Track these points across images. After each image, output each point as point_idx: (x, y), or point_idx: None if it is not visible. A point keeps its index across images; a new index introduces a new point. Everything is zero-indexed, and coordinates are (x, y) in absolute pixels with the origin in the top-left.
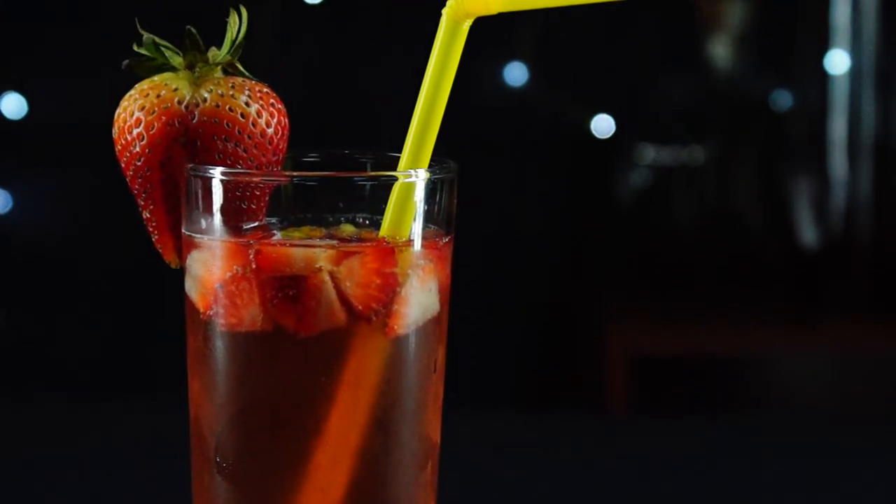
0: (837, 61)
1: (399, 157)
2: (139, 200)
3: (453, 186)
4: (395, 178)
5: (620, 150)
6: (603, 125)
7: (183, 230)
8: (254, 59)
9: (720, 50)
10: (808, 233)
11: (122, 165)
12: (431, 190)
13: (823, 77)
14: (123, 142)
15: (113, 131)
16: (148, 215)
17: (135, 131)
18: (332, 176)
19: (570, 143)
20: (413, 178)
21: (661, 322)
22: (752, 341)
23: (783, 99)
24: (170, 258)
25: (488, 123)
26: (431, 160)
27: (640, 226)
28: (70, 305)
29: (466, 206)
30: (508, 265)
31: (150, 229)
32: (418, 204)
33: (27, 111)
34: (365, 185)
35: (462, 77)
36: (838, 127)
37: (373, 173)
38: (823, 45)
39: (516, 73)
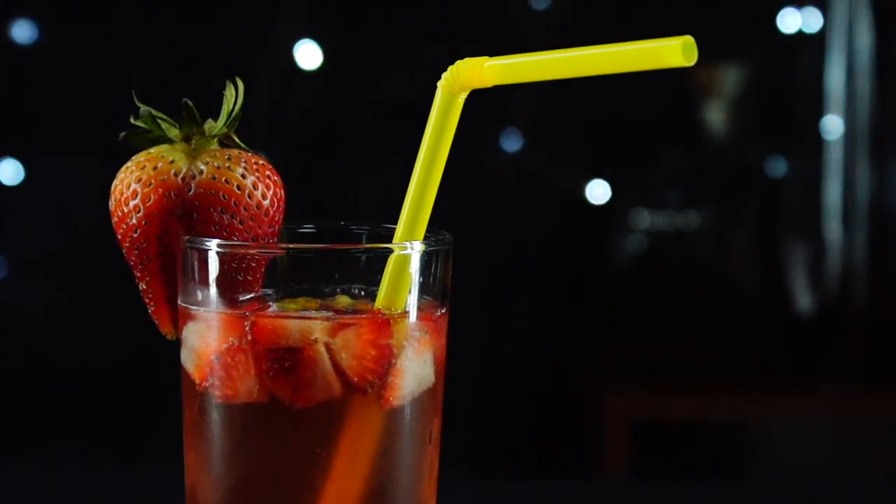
0: (832, 126)
1: (395, 229)
2: (136, 272)
3: (448, 258)
4: (390, 251)
5: (616, 216)
6: (598, 191)
7: (179, 302)
8: (250, 127)
9: (715, 115)
10: (803, 297)
11: (119, 237)
12: (427, 262)
13: (818, 142)
14: (120, 214)
15: (109, 203)
16: (144, 287)
17: (131, 203)
18: (328, 248)
19: (566, 209)
20: (408, 250)
21: (660, 386)
22: (749, 405)
23: (778, 164)
24: (166, 330)
25: (484, 189)
26: (427, 231)
27: (636, 291)
28: (64, 376)
29: (462, 273)
30: (505, 332)
31: (147, 301)
32: (414, 276)
33: (24, 177)
34: (360, 257)
35: (457, 142)
36: (833, 191)
37: (368, 245)
38: (818, 111)
39: (512, 140)
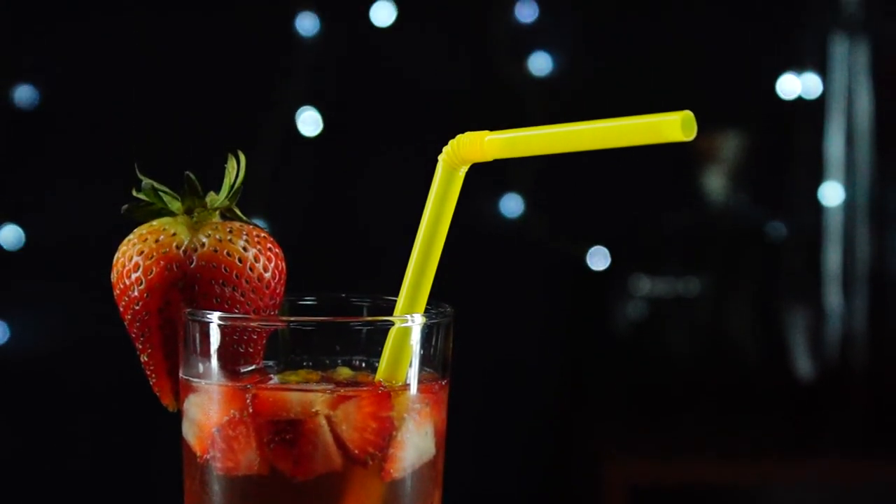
0: (831, 193)
1: (395, 301)
2: (137, 344)
3: (449, 330)
4: (391, 323)
5: (616, 282)
6: (599, 257)
7: (180, 374)
8: (250, 195)
9: (715, 181)
10: (803, 363)
11: (121, 309)
12: (427, 335)
13: (818, 208)
14: (122, 286)
15: (111, 275)
16: (146, 359)
17: (133, 275)
18: (329, 321)
19: (566, 274)
20: (409, 322)
21: (659, 452)
22: (749, 472)
23: (778, 230)
24: (167, 401)
25: (484, 255)
26: (428, 303)
27: (636, 356)
28: (64, 447)
29: (463, 343)
30: (505, 398)
31: (148, 373)
32: (414, 348)
33: (24, 243)
34: (361, 329)
35: (458, 206)
36: (833, 258)
37: (369, 318)
38: (818, 177)
39: (512, 205)
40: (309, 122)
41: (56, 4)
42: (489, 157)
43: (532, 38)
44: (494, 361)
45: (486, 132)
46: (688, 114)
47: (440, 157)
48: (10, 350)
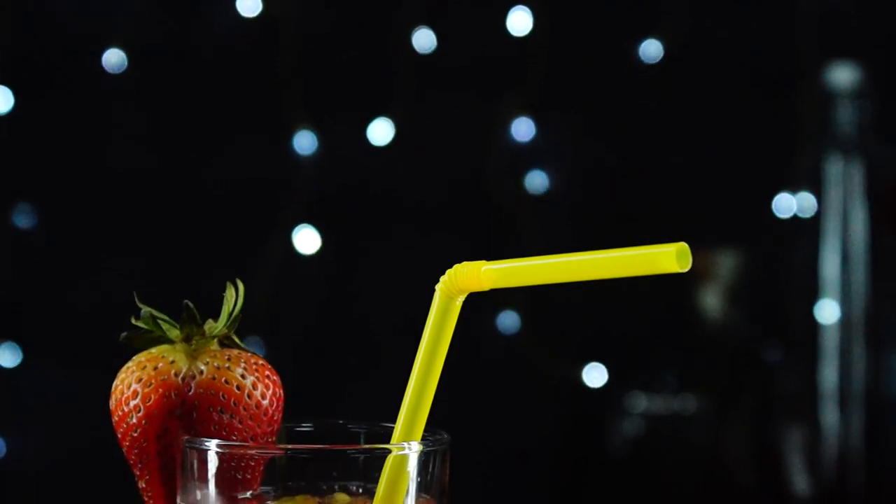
0: (827, 311)
1: (392, 427)
2: (135, 470)
3: (446, 457)
4: (388, 451)
5: (612, 400)
6: (595, 375)
7: (178, 500)
8: (249, 314)
9: (710, 300)
10: (800, 482)
11: (119, 436)
12: (424, 462)
13: (814, 327)
14: (120, 413)
15: (110, 402)
16: (143, 485)
17: (132, 403)
18: (326, 449)
19: (563, 393)
20: (406, 450)
21: None
22: None
23: (774, 348)
24: None
25: (480, 372)
26: (425, 430)
27: (632, 475)
28: None
29: (460, 465)
30: None
31: (146, 499)
32: (411, 475)
33: (21, 359)
34: (358, 457)
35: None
36: (829, 376)
37: (366, 446)
38: (813, 295)
39: (509, 322)
40: (307, 239)
41: (57, 134)
42: (486, 287)
43: (528, 156)
44: (492, 483)
45: (483, 262)
46: (683, 246)
47: (437, 287)
48: (6, 466)
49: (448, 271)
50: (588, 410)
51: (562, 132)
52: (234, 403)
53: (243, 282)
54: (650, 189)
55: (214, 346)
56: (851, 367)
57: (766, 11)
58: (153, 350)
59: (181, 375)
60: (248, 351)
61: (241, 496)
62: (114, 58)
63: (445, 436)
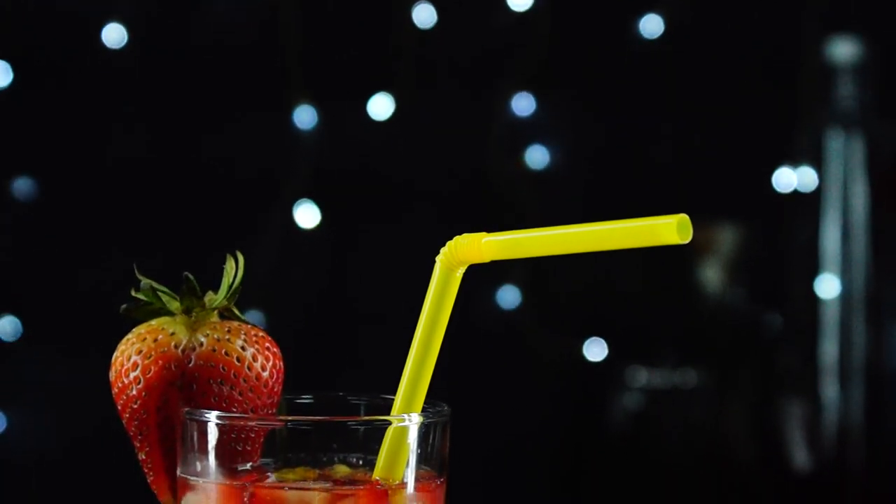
0: (827, 286)
1: (393, 399)
2: (135, 442)
3: (446, 429)
4: (388, 423)
5: (612, 374)
6: (595, 349)
7: (178, 472)
8: (248, 287)
9: (711, 274)
10: (800, 456)
11: (119, 408)
12: (424, 433)
13: (814, 301)
14: (120, 385)
15: (110, 374)
16: (143, 457)
17: (132, 375)
18: (326, 420)
19: (564, 367)
20: (406, 422)
21: None
22: None
23: (774, 322)
24: (165, 499)
25: (480, 347)
26: (425, 402)
27: (632, 449)
28: None
29: (460, 438)
30: (503, 493)
31: (146, 470)
32: (411, 447)
33: (21, 333)
34: (359, 429)
35: (455, 300)
36: (829, 351)
37: (366, 417)
38: (813, 269)
39: (509, 297)
40: (307, 214)
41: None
42: (486, 259)
43: (529, 131)
44: (492, 457)
45: (484, 234)
46: (683, 217)
47: (438, 259)
48: (6, 440)
49: (448, 243)
50: (588, 385)
51: (562, 107)
52: (234, 375)
53: (244, 256)
54: (650, 164)
55: (214, 318)
56: (852, 341)
57: None
58: (153, 322)
59: (181, 347)
60: (248, 323)
61: (241, 468)
62: (114, 33)
63: (446, 408)
